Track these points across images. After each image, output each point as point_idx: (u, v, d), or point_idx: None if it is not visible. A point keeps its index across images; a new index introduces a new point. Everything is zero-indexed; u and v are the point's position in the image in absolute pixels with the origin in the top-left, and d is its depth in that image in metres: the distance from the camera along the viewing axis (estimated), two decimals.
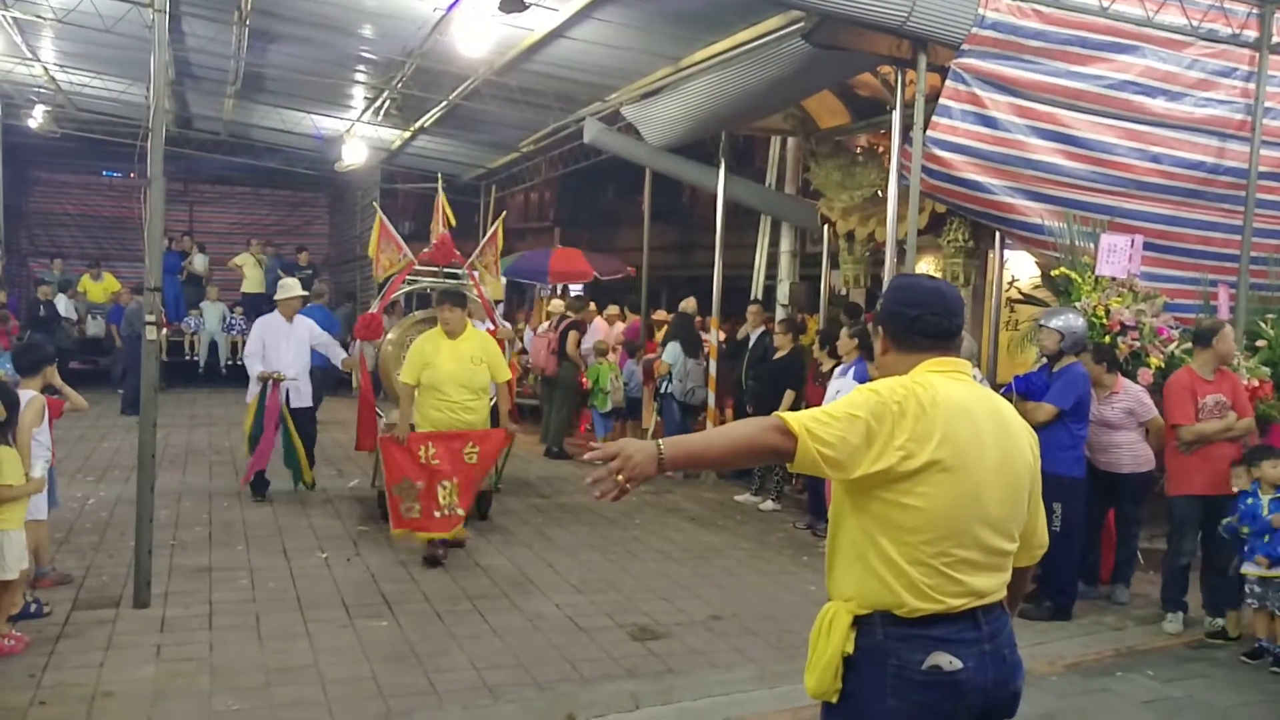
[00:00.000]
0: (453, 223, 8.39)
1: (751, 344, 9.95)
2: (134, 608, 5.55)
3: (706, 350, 10.69)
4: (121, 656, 4.89)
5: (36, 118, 14.34)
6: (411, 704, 4.49)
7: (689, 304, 11.16)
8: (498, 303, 9.46)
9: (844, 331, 7.75)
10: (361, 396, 8.17)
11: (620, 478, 2.26)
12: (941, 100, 6.99)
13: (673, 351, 10.64)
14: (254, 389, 8.34)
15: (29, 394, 5.28)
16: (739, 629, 5.75)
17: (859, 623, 2.39)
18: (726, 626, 5.78)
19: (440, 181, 8.64)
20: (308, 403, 8.64)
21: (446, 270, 8.16)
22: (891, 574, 2.35)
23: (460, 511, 6.72)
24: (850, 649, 2.38)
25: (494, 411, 7.31)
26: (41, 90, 13.89)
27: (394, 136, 14.58)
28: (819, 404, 7.91)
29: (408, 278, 8.18)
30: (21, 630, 5.03)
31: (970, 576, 2.36)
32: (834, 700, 2.42)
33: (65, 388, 5.84)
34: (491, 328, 8.11)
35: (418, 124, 13.24)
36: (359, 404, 8.20)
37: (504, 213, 9.45)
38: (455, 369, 6.84)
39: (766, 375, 9.13)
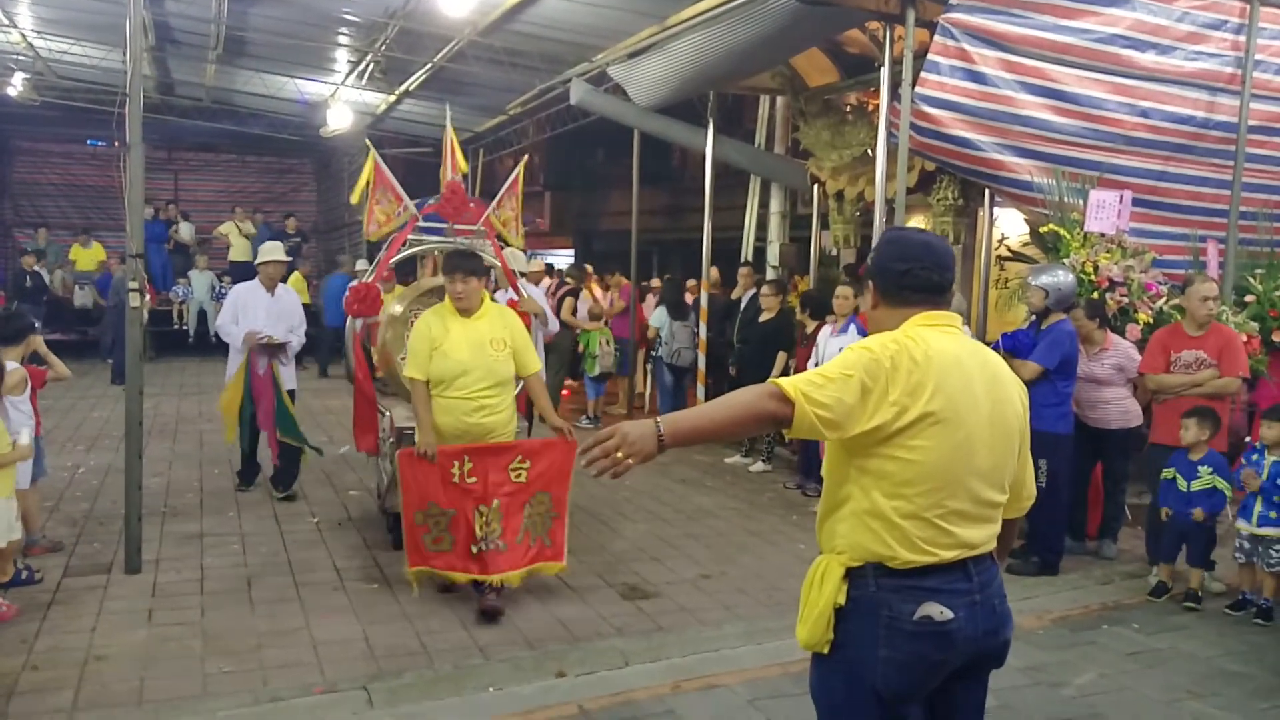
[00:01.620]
0: (464, 168, 6.74)
1: (743, 306, 9.96)
2: (125, 574, 5.58)
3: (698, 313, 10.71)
4: (113, 622, 4.92)
5: (15, 85, 14.15)
6: (403, 664, 4.53)
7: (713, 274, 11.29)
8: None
9: (842, 289, 7.70)
10: (357, 386, 6.57)
11: (619, 454, 2.25)
12: (930, 56, 6.93)
13: (659, 315, 10.70)
14: (236, 361, 7.33)
15: (11, 365, 5.26)
16: (728, 587, 5.79)
17: (851, 575, 2.42)
18: (716, 585, 5.82)
19: (449, 114, 7.15)
20: (291, 385, 7.55)
21: (459, 228, 6.56)
22: (884, 527, 2.37)
23: (501, 544, 5.16)
24: (842, 600, 2.41)
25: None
26: (20, 57, 13.69)
27: (379, 100, 14.43)
28: (806, 366, 7.99)
29: (409, 238, 6.45)
30: (13, 598, 5.04)
31: (961, 528, 2.39)
32: (825, 651, 2.44)
33: (50, 355, 5.82)
34: (513, 298, 6.62)
35: (402, 87, 13.10)
36: (355, 395, 6.66)
37: (526, 157, 7.47)
38: (470, 357, 5.21)
39: (755, 338, 9.13)
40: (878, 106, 8.48)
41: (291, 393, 7.55)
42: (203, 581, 5.57)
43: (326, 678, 4.35)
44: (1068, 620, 5.42)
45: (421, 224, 6.43)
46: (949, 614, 2.36)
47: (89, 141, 18.76)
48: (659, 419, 2.31)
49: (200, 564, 5.86)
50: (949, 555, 2.38)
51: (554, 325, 7.70)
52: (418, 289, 6.90)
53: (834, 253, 10.83)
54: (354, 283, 6.92)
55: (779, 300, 9.04)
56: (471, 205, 6.58)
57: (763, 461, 9.12)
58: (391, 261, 6.62)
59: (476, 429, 5.26)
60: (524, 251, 7.99)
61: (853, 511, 2.42)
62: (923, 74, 6.94)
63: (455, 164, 6.56)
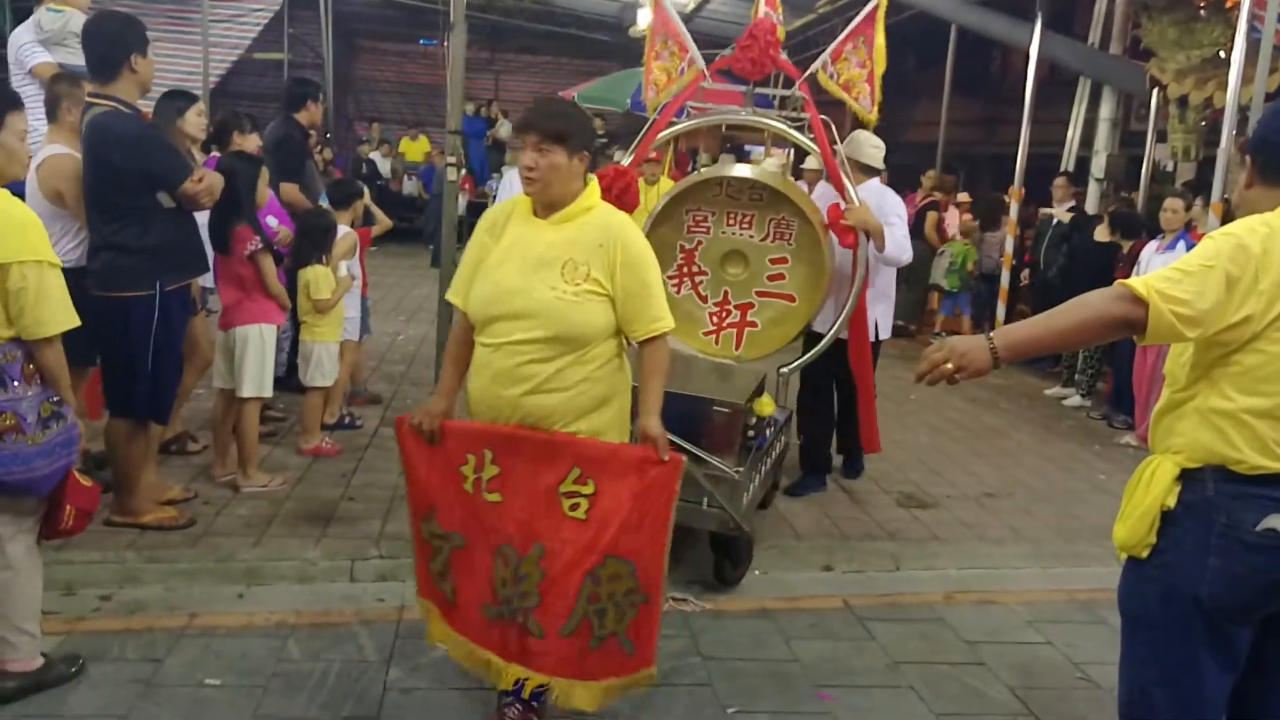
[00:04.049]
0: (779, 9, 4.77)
1: (1055, 221, 9.21)
2: None
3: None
4: None
5: None
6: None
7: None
8: (870, 170, 5.15)
9: (1171, 201, 6.91)
10: None
11: (948, 367, 2.18)
12: None
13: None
14: None
15: (343, 229, 5.76)
16: (1014, 507, 5.47)
17: (1186, 476, 2.20)
18: (1000, 504, 5.52)
19: None
20: None
21: (762, 91, 4.76)
22: (1233, 426, 2.13)
23: (535, 624, 2.88)
24: (1171, 503, 2.20)
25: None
26: None
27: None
28: None
29: (688, 104, 4.69)
30: (337, 438, 5.62)
31: None
32: (1143, 555, 2.25)
33: (375, 209, 6.33)
34: (839, 205, 4.67)
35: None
36: None
37: None
38: (519, 282, 2.91)
39: (1084, 258, 8.29)
40: (1237, 1, 7.42)
41: None
42: None
43: None
44: None
45: (707, 86, 4.70)
46: None
47: (421, 41, 20.11)
48: (991, 333, 2.20)
49: None
50: None
51: (899, 253, 4.92)
52: (695, 181, 4.85)
53: (1169, 167, 9.75)
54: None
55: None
56: (784, 58, 4.62)
57: (1080, 396, 8.21)
58: (661, 138, 4.68)
59: (516, 410, 2.91)
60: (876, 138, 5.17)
61: (1198, 408, 2.19)
62: None
63: None
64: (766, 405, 4.42)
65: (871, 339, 5.06)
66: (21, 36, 5.84)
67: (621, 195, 4.46)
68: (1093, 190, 10.37)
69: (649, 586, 2.82)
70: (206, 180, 4.19)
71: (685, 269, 4.91)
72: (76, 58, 4.88)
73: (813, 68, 4.74)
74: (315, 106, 6.19)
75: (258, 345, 4.71)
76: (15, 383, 2.90)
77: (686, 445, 3.78)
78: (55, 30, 5.80)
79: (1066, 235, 8.89)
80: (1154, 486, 2.22)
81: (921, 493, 5.60)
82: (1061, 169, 10.39)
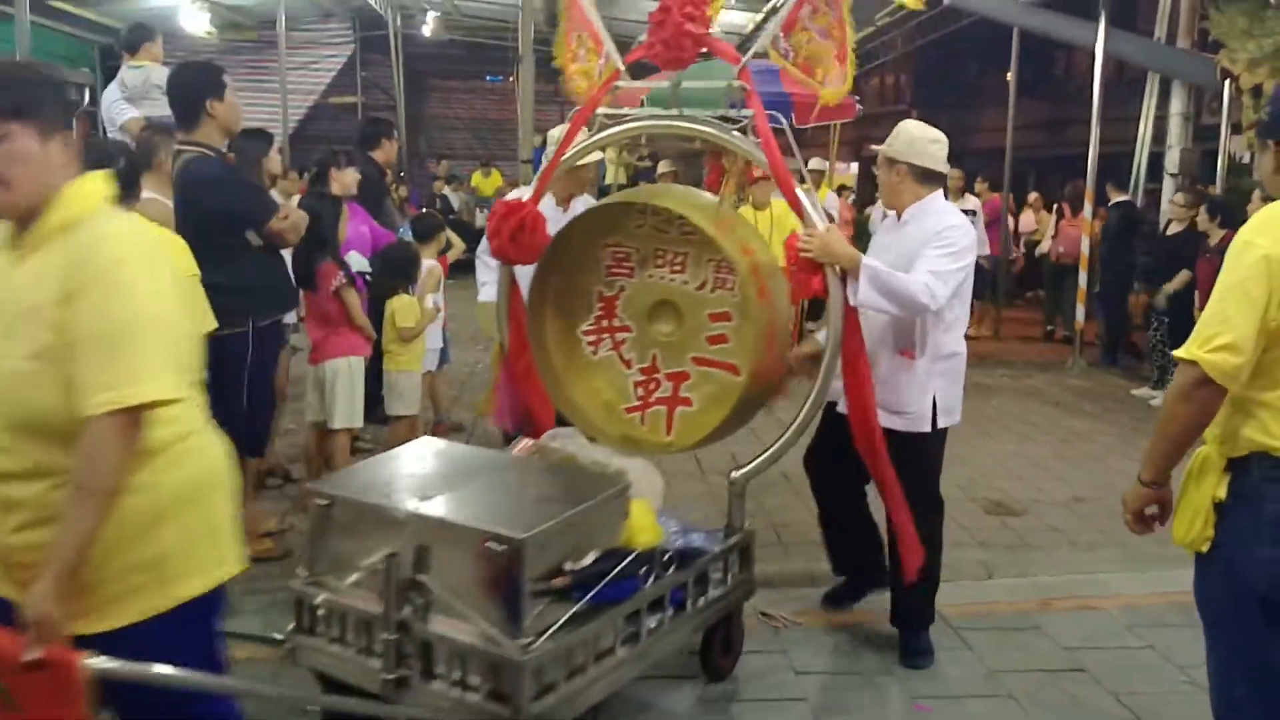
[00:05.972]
0: None
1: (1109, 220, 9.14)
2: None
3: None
4: None
5: (429, 25, 15.75)
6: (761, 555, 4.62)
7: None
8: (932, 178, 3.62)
9: (1258, 193, 6.78)
10: (504, 366, 4.09)
11: (1131, 521, 2.36)
12: None
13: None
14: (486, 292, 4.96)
15: (428, 263, 5.90)
16: (1104, 511, 5.35)
17: (1233, 466, 2.19)
18: (1090, 508, 5.43)
19: None
20: None
21: (690, 83, 3.53)
22: (1270, 414, 2.12)
23: None
24: (1223, 494, 2.19)
25: None
26: None
27: (745, 20, 14.45)
28: (1210, 285, 7.07)
29: (601, 112, 3.62)
30: None
31: None
32: (1204, 550, 2.24)
33: (452, 235, 6.45)
34: (797, 234, 3.34)
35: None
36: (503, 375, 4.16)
37: None
38: None
39: (1162, 252, 8.21)
40: None
41: None
42: None
43: None
44: None
45: (623, 85, 3.64)
46: None
47: (488, 77, 20.52)
48: (1141, 474, 2.32)
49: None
50: None
51: (889, 300, 3.30)
52: (609, 204, 3.73)
53: (1245, 159, 9.52)
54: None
55: (1193, 212, 8.05)
56: (714, 36, 3.45)
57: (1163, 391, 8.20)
58: (565, 159, 3.71)
59: (9, 558, 1.96)
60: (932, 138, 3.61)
61: (1233, 397, 2.16)
62: None
63: None
64: (640, 531, 2.96)
65: (927, 428, 3.64)
66: (110, 95, 6.16)
67: (516, 236, 3.56)
68: (1168, 186, 10.18)
69: None
70: (292, 217, 4.35)
71: (604, 322, 3.72)
72: (161, 109, 5.13)
73: (754, 47, 3.51)
74: (390, 144, 6.37)
75: (347, 377, 4.83)
76: None
77: (449, 599, 2.60)
78: (138, 86, 6.09)
79: (1114, 229, 8.99)
80: (1204, 479, 2.22)
81: (1009, 499, 5.53)
82: (1134, 166, 10.25)
